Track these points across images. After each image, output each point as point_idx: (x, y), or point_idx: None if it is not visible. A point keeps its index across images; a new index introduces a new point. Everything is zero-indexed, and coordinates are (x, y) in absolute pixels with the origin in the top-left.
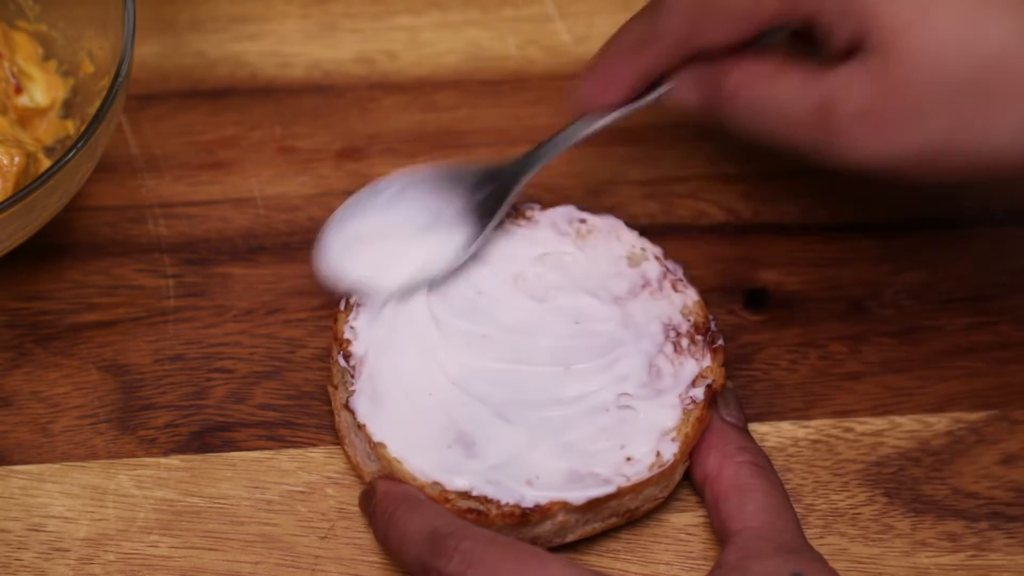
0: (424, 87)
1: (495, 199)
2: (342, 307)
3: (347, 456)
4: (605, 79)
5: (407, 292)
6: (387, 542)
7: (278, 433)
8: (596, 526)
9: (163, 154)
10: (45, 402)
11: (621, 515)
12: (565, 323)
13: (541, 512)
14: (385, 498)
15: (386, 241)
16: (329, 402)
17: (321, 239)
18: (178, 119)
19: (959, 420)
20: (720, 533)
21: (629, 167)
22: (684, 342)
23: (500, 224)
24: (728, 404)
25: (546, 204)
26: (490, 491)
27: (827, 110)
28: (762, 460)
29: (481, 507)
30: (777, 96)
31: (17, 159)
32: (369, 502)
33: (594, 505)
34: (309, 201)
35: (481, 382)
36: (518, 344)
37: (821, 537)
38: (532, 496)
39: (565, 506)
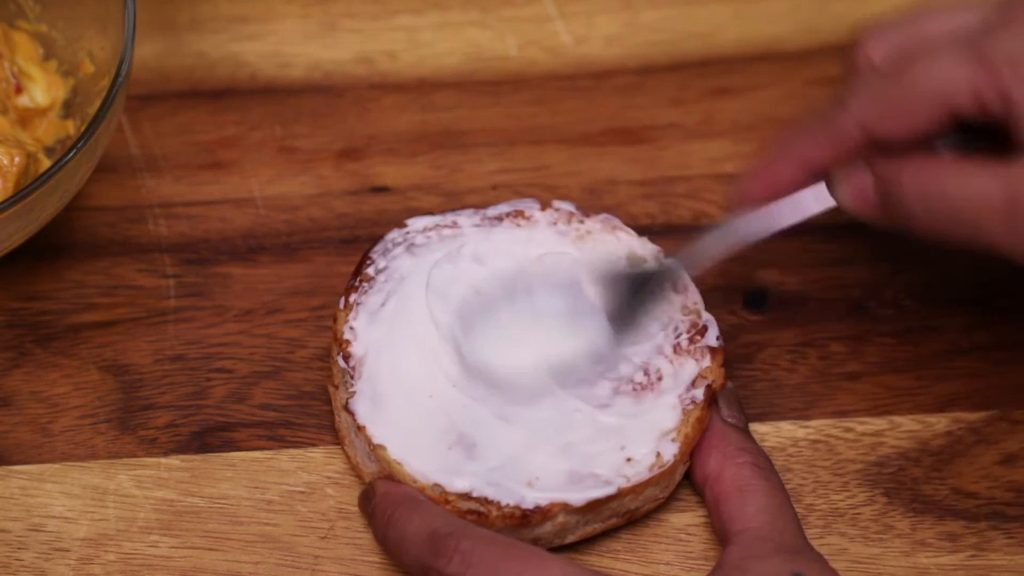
0: (424, 87)
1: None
2: (341, 306)
3: (347, 456)
4: (770, 174)
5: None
6: (386, 543)
7: (278, 433)
8: (596, 527)
9: (163, 154)
10: (45, 402)
11: (621, 516)
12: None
13: (541, 513)
14: (384, 499)
15: (527, 332)
16: (329, 402)
17: (463, 328)
18: (178, 119)
19: (959, 420)
20: (721, 534)
21: (629, 167)
22: (684, 342)
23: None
24: (729, 405)
25: (545, 203)
26: (490, 492)
27: (1019, 203)
28: (763, 461)
29: (481, 508)
30: (961, 190)
31: (17, 159)
32: (368, 503)
33: (594, 506)
34: (309, 201)
35: (481, 384)
36: None
37: (821, 537)
38: (532, 497)
39: (566, 507)
